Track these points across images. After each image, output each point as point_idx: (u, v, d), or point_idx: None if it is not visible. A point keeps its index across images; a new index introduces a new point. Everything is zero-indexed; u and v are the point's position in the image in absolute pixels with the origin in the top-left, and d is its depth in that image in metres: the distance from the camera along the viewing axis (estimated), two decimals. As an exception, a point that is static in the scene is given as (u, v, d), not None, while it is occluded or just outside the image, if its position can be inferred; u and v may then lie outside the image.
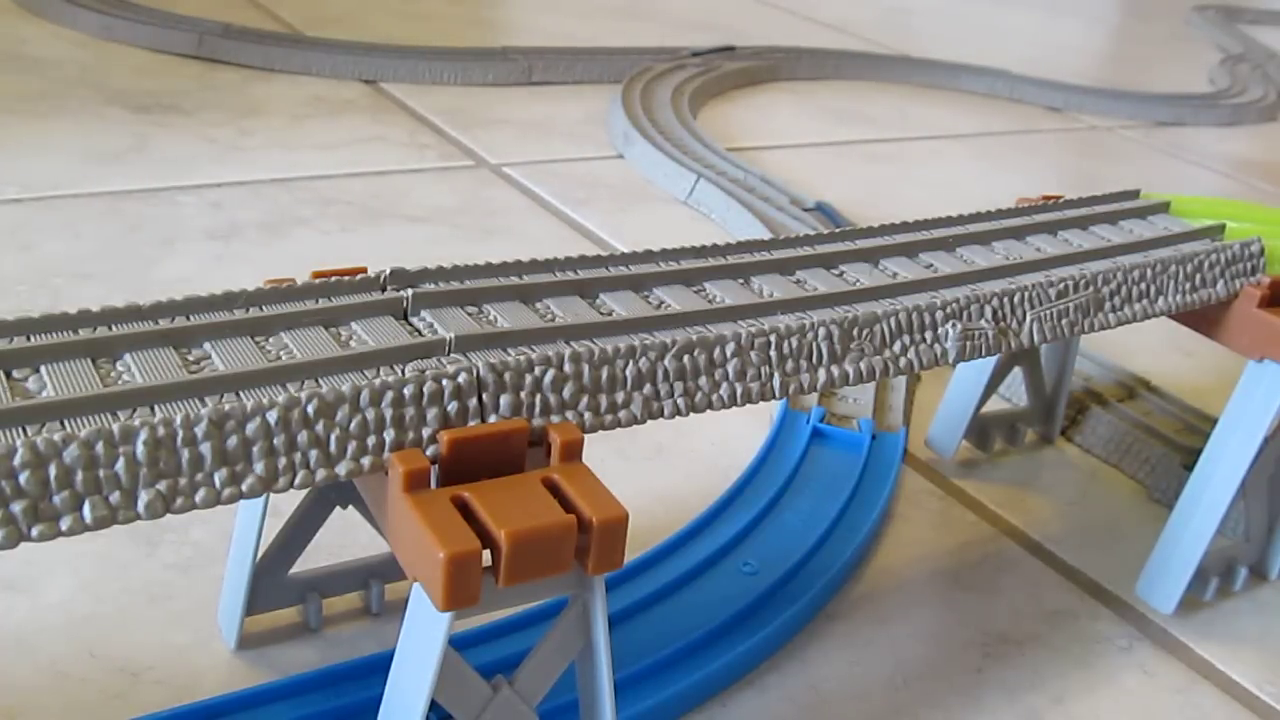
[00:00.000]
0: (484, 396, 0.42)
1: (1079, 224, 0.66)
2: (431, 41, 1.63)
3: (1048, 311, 0.58)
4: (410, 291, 0.46)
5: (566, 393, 0.44)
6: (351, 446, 0.40)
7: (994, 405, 0.83)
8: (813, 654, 0.61)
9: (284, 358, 0.41)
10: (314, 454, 0.39)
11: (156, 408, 0.38)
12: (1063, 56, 2.33)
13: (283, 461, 0.39)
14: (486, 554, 0.38)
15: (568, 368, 0.44)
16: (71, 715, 0.51)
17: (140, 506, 0.36)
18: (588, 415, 0.44)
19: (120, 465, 0.36)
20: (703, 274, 0.52)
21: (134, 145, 1.15)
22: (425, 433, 0.41)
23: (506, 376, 0.42)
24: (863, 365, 0.51)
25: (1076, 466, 0.83)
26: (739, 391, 0.48)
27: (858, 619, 0.64)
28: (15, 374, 0.38)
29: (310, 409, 0.39)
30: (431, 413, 0.41)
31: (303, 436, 0.39)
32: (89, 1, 1.53)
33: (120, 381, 0.39)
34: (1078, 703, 0.60)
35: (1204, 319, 0.67)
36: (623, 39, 1.80)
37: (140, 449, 0.36)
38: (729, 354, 0.47)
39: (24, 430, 0.36)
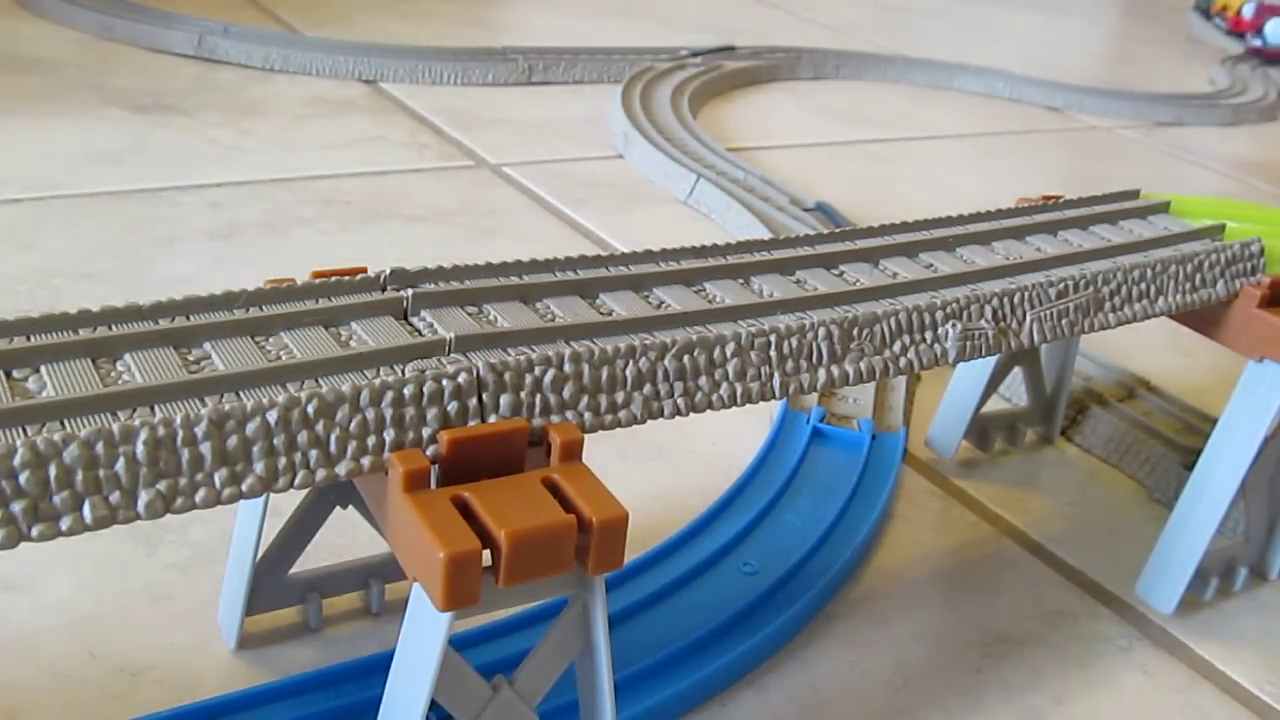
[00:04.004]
0: (484, 396, 0.42)
1: (1079, 224, 0.66)
2: (431, 41, 1.63)
3: (1048, 311, 0.58)
4: (410, 291, 0.46)
5: (566, 393, 0.44)
6: (351, 446, 0.40)
7: (994, 405, 0.83)
8: (813, 654, 0.61)
9: (284, 358, 0.41)
10: (314, 454, 0.39)
11: (156, 408, 0.38)
12: (1063, 56, 2.33)
13: (283, 461, 0.39)
14: (486, 554, 0.38)
15: (568, 368, 0.44)
16: (71, 715, 0.51)
17: (140, 506, 0.36)
18: (588, 415, 0.44)
19: (120, 465, 0.36)
20: (703, 274, 0.52)
21: (134, 145, 1.15)
22: (425, 433, 0.41)
23: (506, 376, 0.42)
24: (863, 365, 0.51)
25: (1076, 466, 0.83)
26: (739, 391, 0.48)
27: (858, 619, 0.64)
28: (15, 374, 0.38)
29: (310, 409, 0.39)
30: (431, 413, 0.41)
31: (303, 436, 0.39)
32: (89, 1, 1.53)
33: (120, 381, 0.39)
34: (1078, 703, 0.60)
35: (1204, 319, 0.67)
36: (623, 39, 1.80)
37: (140, 449, 0.36)
38: (729, 354, 0.47)
39: (24, 430, 0.36)
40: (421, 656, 0.40)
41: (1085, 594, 0.69)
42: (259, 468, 0.38)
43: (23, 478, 0.35)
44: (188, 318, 0.42)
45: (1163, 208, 0.71)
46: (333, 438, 0.39)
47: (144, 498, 0.36)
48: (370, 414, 0.40)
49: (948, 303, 0.54)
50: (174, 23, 1.49)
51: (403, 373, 0.41)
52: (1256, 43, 2.57)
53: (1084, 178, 1.51)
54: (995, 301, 0.56)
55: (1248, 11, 2.65)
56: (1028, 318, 0.57)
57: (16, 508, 0.35)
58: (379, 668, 0.49)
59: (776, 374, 0.49)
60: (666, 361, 0.46)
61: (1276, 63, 2.53)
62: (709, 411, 0.47)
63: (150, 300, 0.42)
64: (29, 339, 0.40)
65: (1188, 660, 0.65)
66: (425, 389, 0.41)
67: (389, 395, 0.40)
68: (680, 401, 0.46)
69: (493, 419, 0.42)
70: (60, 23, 1.51)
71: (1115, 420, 0.84)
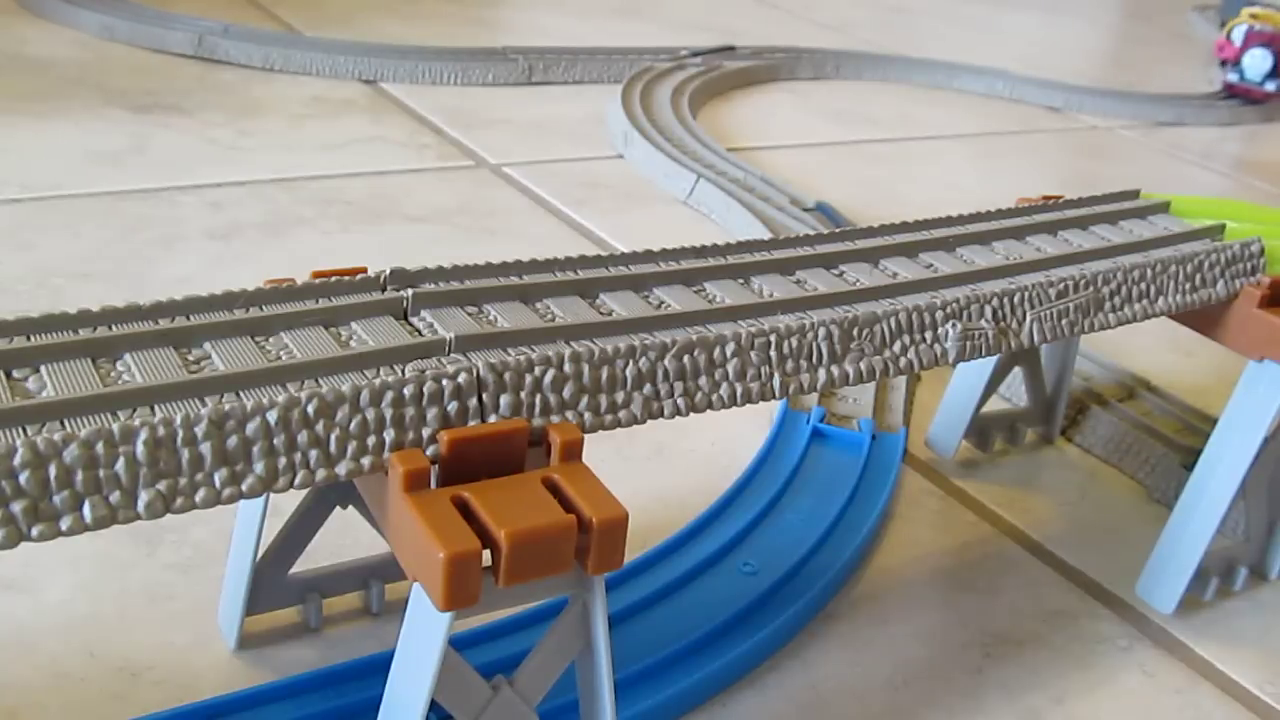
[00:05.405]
0: (484, 396, 0.42)
1: (1079, 224, 0.66)
2: (431, 41, 1.62)
3: (1048, 311, 0.58)
4: (410, 291, 0.46)
5: (566, 393, 0.44)
6: (351, 446, 0.40)
7: (994, 405, 0.83)
8: (813, 654, 0.61)
9: (284, 358, 0.41)
10: (314, 454, 0.39)
11: (156, 408, 0.38)
12: (1063, 56, 2.33)
13: (283, 461, 0.39)
14: (486, 554, 0.38)
15: (568, 368, 0.44)
16: (71, 715, 0.51)
17: (140, 506, 0.36)
18: (588, 415, 0.44)
19: (120, 465, 0.36)
20: (703, 274, 0.52)
21: (134, 145, 1.15)
22: (425, 433, 0.41)
23: (506, 376, 0.42)
24: (863, 365, 0.51)
25: (1076, 466, 0.83)
26: (739, 391, 0.48)
27: (858, 619, 0.64)
28: (15, 374, 0.38)
29: (310, 409, 0.39)
30: (431, 413, 0.41)
31: (303, 436, 0.39)
32: (89, 2, 1.53)
33: (120, 381, 0.39)
34: (1078, 703, 0.60)
35: (1204, 319, 0.67)
36: (623, 39, 1.80)
37: (140, 449, 0.36)
38: (729, 354, 0.47)
39: (24, 430, 0.36)
40: (421, 656, 0.40)
41: (1085, 594, 0.69)
42: (259, 468, 0.38)
43: (23, 478, 0.35)
44: (188, 318, 0.42)
45: (1163, 208, 0.71)
46: (333, 438, 0.39)
47: (144, 498, 0.36)
48: (370, 414, 0.40)
49: (948, 303, 0.54)
50: (174, 23, 1.49)
51: (403, 373, 0.41)
52: (1232, 77, 2.03)
53: (1084, 178, 1.51)
54: (995, 301, 0.56)
55: (1236, 37, 2.05)
56: (1028, 318, 0.57)
57: (16, 508, 0.35)
58: (379, 668, 0.49)
59: (776, 374, 0.49)
60: (666, 361, 0.46)
61: (1258, 102, 2.02)
62: (709, 411, 0.47)
63: (150, 300, 0.42)
64: (29, 339, 0.40)
65: (1188, 660, 0.65)
66: (425, 389, 0.41)
67: (389, 395, 0.40)
68: (680, 401, 0.46)
69: (493, 419, 0.42)
70: (60, 23, 1.51)
71: (1115, 420, 0.84)
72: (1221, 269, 0.65)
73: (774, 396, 0.48)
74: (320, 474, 0.39)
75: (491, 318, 0.46)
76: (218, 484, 0.38)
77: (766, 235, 1.03)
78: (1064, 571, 0.71)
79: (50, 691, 0.52)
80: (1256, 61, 1.99)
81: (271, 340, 0.43)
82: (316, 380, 0.41)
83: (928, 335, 0.53)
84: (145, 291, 0.87)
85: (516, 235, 1.07)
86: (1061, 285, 0.58)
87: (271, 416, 0.38)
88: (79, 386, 0.38)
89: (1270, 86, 1.99)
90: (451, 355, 0.43)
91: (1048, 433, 0.84)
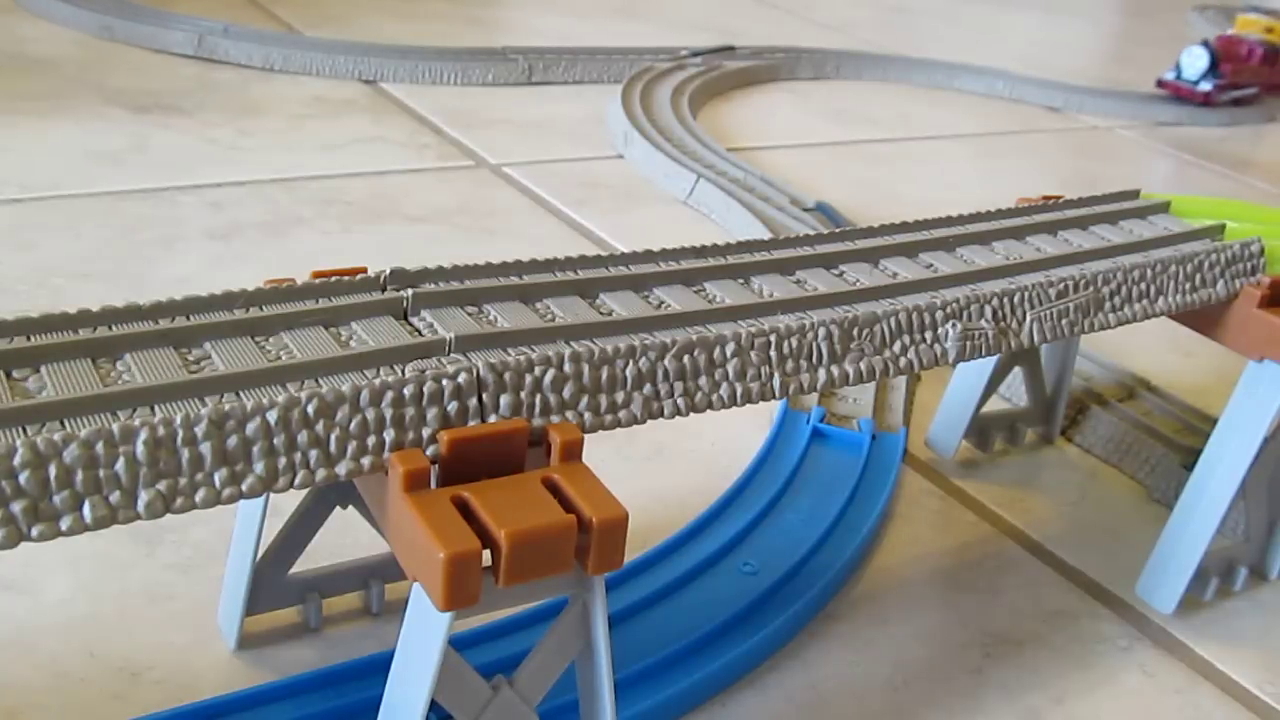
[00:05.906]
0: (484, 396, 0.42)
1: (1079, 224, 0.66)
2: (431, 41, 1.63)
3: (1048, 311, 0.58)
4: (410, 291, 0.46)
5: (566, 393, 0.44)
6: (351, 446, 0.40)
7: (994, 405, 0.83)
8: (813, 654, 0.61)
9: (284, 358, 0.41)
10: (314, 454, 0.39)
11: (156, 408, 0.38)
12: (1063, 56, 2.33)
13: (283, 461, 0.39)
14: (486, 554, 0.38)
15: (568, 368, 0.44)
16: (71, 715, 0.51)
17: (140, 506, 0.36)
18: (588, 415, 0.44)
19: (120, 465, 0.36)
20: (703, 274, 0.52)
21: (134, 145, 1.15)
22: (425, 433, 0.41)
23: (506, 376, 0.42)
24: (863, 365, 0.51)
25: (1076, 466, 0.83)
26: (739, 391, 0.48)
27: (858, 619, 0.64)
28: (15, 374, 0.38)
29: (310, 409, 0.39)
30: (431, 413, 0.41)
31: (303, 436, 0.39)
32: (89, 1, 1.53)
33: (120, 381, 0.39)
34: (1078, 703, 0.60)
35: (1204, 319, 0.67)
36: (623, 39, 1.80)
37: (140, 449, 0.36)
38: (729, 354, 0.47)
39: (24, 430, 0.36)
40: (421, 656, 0.40)
41: (1085, 594, 0.69)
42: (259, 468, 0.38)
43: (23, 478, 0.35)
44: (188, 318, 0.42)
45: (1163, 208, 0.71)
46: (333, 438, 0.39)
47: (144, 498, 0.36)
48: (370, 414, 0.40)
49: (948, 303, 0.54)
50: (174, 23, 1.49)
51: (403, 373, 0.41)
52: (1168, 75, 1.96)
53: (1084, 178, 1.51)
54: (995, 301, 0.56)
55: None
56: (1028, 318, 0.57)
57: (16, 508, 0.35)
58: (379, 668, 0.49)
59: (776, 374, 0.49)
60: (666, 361, 0.46)
61: (1186, 102, 1.94)
62: (709, 411, 0.47)
63: (150, 300, 0.42)
64: (29, 339, 0.40)
65: (1188, 660, 0.65)
66: (425, 389, 0.41)
67: (389, 395, 0.40)
68: (680, 401, 0.46)
69: (493, 419, 0.42)
70: (60, 23, 1.51)
71: (1115, 420, 0.84)
72: (1221, 269, 0.65)
73: (774, 396, 0.48)
74: (320, 474, 0.39)
75: (491, 318, 0.46)
76: (218, 484, 0.38)
77: (766, 235, 1.03)
78: (1064, 571, 0.71)
79: (50, 691, 0.52)
80: (1193, 60, 1.93)
81: (271, 340, 0.43)
82: (316, 380, 0.41)
83: (928, 335, 0.53)
84: (145, 291, 0.87)
85: (516, 235, 1.07)
86: (1061, 285, 0.58)
87: (271, 416, 0.38)
88: (79, 386, 0.38)
89: (1205, 86, 1.92)
90: (451, 355, 0.43)
91: (1048, 433, 0.84)
